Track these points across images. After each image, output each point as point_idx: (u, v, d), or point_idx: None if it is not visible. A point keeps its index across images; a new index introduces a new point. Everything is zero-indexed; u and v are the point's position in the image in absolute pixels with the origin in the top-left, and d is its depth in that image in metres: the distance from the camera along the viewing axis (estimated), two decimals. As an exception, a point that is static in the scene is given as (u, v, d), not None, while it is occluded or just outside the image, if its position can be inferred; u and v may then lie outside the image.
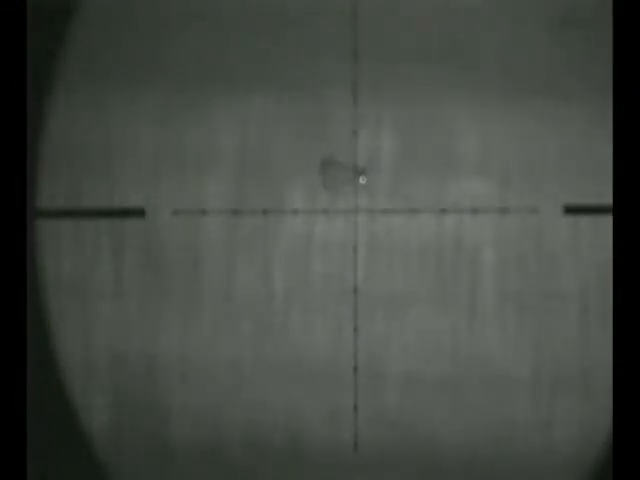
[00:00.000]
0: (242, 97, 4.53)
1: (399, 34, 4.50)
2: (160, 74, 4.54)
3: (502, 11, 4.50)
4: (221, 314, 4.51)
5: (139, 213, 4.51)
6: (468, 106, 4.50)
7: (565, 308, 4.46)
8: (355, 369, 4.49)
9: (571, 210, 4.47)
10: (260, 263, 4.51)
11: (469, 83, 4.50)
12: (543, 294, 4.46)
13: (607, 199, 4.45)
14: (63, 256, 4.51)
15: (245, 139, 4.52)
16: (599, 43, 4.46)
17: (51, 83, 4.52)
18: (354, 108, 4.51)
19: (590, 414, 4.40)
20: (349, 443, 4.47)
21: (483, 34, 4.49)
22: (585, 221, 4.47)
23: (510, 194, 4.49)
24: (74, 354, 4.50)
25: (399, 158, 4.50)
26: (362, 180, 4.05)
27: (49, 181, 4.53)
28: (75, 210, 4.52)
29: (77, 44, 4.53)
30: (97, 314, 4.51)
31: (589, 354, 4.45)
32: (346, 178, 4.39)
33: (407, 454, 4.44)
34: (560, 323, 4.46)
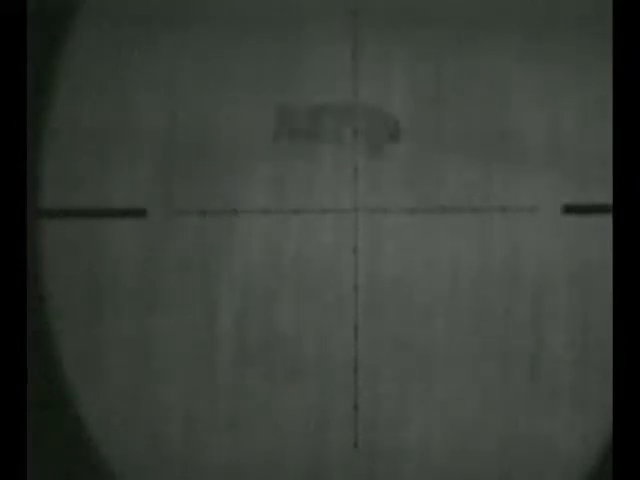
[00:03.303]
0: (235, 93, 4.54)
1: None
2: (160, 73, 4.54)
3: None
4: (220, 313, 4.52)
5: (139, 213, 4.51)
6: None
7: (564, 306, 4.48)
8: (355, 368, 4.50)
9: (571, 210, 4.47)
10: (260, 263, 4.52)
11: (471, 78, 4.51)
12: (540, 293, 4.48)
13: (607, 199, 4.46)
14: (63, 256, 4.51)
15: (240, 136, 4.53)
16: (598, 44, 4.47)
17: (51, 82, 4.52)
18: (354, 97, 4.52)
19: None
20: None
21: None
22: (585, 221, 4.47)
23: (510, 193, 4.49)
24: (74, 353, 4.50)
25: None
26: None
27: (49, 181, 4.52)
28: (75, 210, 4.52)
29: (77, 43, 4.53)
30: (97, 314, 4.51)
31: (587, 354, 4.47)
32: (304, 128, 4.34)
33: None
34: (558, 322, 4.47)
